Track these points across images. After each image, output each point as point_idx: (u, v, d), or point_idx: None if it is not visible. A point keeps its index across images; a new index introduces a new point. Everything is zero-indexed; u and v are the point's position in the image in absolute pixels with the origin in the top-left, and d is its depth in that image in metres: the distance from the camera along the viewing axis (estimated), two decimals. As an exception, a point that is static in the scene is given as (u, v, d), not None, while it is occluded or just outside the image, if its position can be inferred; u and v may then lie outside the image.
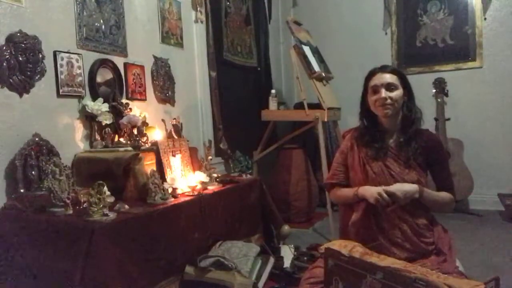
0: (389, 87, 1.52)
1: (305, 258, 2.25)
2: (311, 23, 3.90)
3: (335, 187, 1.68)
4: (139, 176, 1.92)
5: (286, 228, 2.49)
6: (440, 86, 3.55)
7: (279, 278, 2.13)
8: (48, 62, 1.97)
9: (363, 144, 1.59)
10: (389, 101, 1.50)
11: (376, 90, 1.54)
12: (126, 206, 1.70)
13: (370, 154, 1.56)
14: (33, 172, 1.80)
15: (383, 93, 1.51)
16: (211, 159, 2.47)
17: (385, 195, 1.42)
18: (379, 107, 1.53)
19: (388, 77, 1.53)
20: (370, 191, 1.46)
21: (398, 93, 1.52)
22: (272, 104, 3.32)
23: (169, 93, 2.80)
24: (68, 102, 2.08)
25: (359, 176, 1.57)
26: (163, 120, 2.45)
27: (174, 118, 2.46)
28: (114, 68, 2.34)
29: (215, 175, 2.31)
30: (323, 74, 3.27)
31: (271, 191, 2.79)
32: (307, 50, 3.25)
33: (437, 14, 3.76)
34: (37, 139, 1.87)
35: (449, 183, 1.56)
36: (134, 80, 2.49)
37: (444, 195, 1.53)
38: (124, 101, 2.30)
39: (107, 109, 2.15)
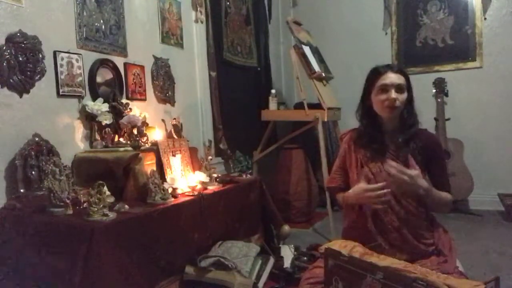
0: (399, 89, 1.50)
1: (305, 258, 2.25)
2: (311, 23, 3.90)
3: (337, 191, 1.67)
4: (139, 176, 1.92)
5: (286, 228, 2.49)
6: (440, 86, 3.55)
7: (279, 278, 2.13)
8: (48, 62, 1.97)
9: (361, 145, 1.58)
10: (397, 102, 1.48)
11: (385, 89, 1.50)
12: (126, 206, 1.70)
13: (369, 155, 1.55)
14: (33, 172, 1.80)
15: (393, 93, 1.48)
16: (211, 159, 2.47)
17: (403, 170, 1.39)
18: (386, 108, 1.50)
19: (398, 78, 1.50)
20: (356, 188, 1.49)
21: (405, 96, 1.51)
22: (272, 104, 3.32)
23: (169, 93, 2.80)
24: (68, 102, 2.08)
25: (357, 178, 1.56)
26: (163, 120, 2.45)
27: (174, 118, 2.47)
28: (114, 68, 2.34)
29: (215, 175, 2.31)
30: (323, 74, 3.27)
31: (271, 191, 2.79)
32: (307, 50, 3.25)
33: (437, 14, 3.76)
34: (37, 139, 1.87)
35: (447, 184, 1.56)
36: (134, 80, 2.49)
37: (445, 195, 1.52)
38: (124, 101, 2.30)
39: (107, 109, 2.15)
